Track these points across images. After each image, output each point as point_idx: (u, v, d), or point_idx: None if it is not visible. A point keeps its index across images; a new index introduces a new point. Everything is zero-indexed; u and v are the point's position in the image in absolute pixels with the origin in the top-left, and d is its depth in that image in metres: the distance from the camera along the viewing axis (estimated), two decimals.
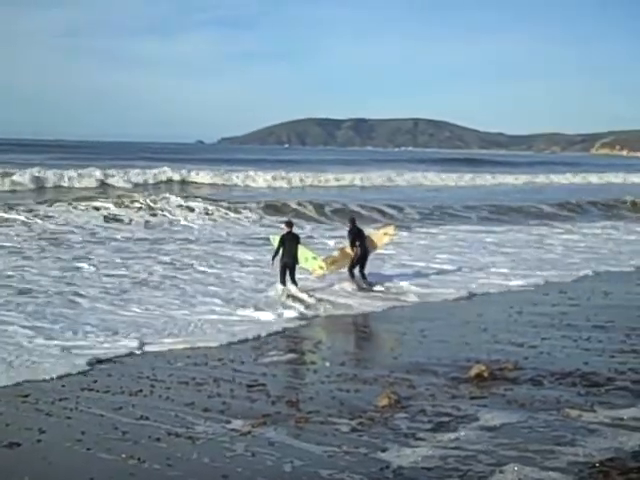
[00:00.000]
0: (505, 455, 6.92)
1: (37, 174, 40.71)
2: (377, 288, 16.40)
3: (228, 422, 7.84)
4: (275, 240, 16.32)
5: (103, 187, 41.17)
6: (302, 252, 15.95)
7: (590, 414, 8.03)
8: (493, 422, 7.80)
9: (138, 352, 10.86)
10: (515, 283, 17.42)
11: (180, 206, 31.22)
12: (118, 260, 19.07)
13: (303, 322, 13.33)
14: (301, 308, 14.21)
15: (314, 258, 16.28)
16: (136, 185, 43.02)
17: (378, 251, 18.26)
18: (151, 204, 30.97)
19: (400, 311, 14.54)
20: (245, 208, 32.18)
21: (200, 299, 14.56)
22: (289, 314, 13.66)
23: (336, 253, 17.26)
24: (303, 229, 27.10)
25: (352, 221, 17.38)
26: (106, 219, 28.07)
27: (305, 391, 9.11)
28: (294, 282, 15.52)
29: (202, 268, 18.18)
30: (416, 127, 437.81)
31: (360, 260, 16.60)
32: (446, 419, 7.94)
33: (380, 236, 18.04)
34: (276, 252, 15.67)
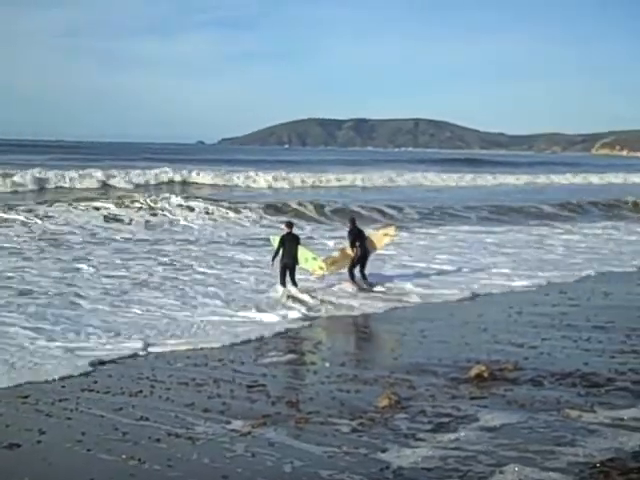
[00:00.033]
0: (505, 455, 6.92)
1: (38, 175, 40.72)
2: (377, 289, 16.39)
3: (228, 423, 7.84)
4: (275, 241, 16.32)
5: (105, 188, 41.19)
6: (302, 253, 15.95)
7: (590, 414, 8.04)
8: (493, 422, 7.80)
9: (142, 353, 10.85)
10: (518, 284, 17.39)
11: (180, 206, 31.24)
12: (118, 261, 19.08)
13: (306, 323, 13.31)
14: (303, 309, 14.19)
15: (314, 259, 16.28)
16: (137, 186, 43.04)
17: (378, 252, 18.25)
18: (151, 204, 30.98)
19: (402, 312, 14.52)
20: (245, 208, 32.20)
21: (201, 300, 14.56)
22: (291, 315, 13.65)
23: (336, 253, 17.26)
24: (303, 229, 27.09)
25: (352, 221, 17.38)
26: (106, 219, 28.08)
27: (305, 392, 9.11)
28: (294, 283, 15.52)
29: (202, 269, 18.18)
30: (417, 127, 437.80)
31: (360, 260, 16.60)
32: (446, 420, 7.94)
33: (380, 237, 18.03)
34: (276, 253, 15.67)
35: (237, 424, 7.78)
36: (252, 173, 51.59)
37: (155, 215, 29.72)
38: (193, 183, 47.89)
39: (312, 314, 13.99)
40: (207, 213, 30.78)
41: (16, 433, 7.51)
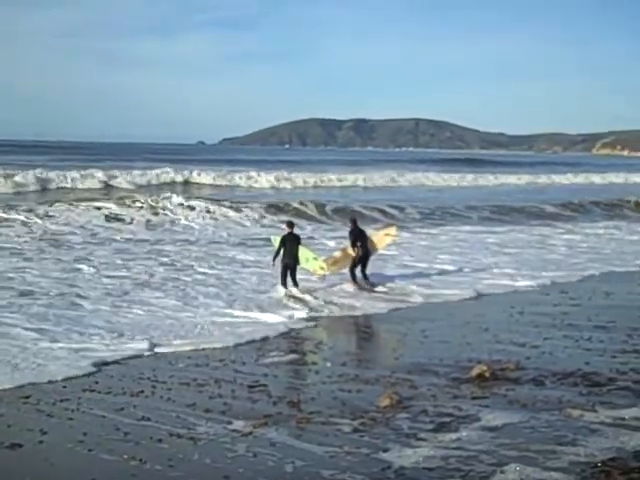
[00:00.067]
0: (507, 455, 6.92)
1: (40, 175, 40.72)
2: (379, 289, 16.39)
3: (229, 423, 7.84)
4: (276, 241, 16.32)
5: (107, 188, 41.16)
6: (303, 253, 15.95)
7: (592, 414, 8.03)
8: (495, 422, 7.80)
9: (148, 354, 10.84)
10: (522, 284, 17.37)
11: (181, 205, 31.24)
12: (119, 261, 19.08)
13: (308, 323, 13.29)
14: (305, 309, 14.19)
15: (315, 259, 16.28)
16: (139, 186, 43.00)
17: (380, 252, 18.24)
18: (152, 203, 30.99)
19: (403, 312, 14.50)
20: (246, 207, 32.21)
21: (203, 300, 14.55)
22: (295, 315, 13.65)
23: (337, 253, 17.26)
24: (304, 229, 27.08)
25: (353, 221, 17.37)
26: (107, 218, 28.08)
27: (307, 391, 9.11)
28: (295, 283, 15.52)
29: (203, 269, 18.18)
30: (417, 127, 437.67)
31: (361, 260, 16.60)
32: (448, 419, 7.94)
33: (381, 237, 18.02)
34: (277, 253, 15.67)
35: (238, 424, 7.78)
36: (254, 173, 51.50)
37: (156, 214, 29.72)
38: (195, 183, 47.86)
39: (314, 314, 13.98)
40: (208, 212, 30.78)
41: (18, 433, 7.51)
